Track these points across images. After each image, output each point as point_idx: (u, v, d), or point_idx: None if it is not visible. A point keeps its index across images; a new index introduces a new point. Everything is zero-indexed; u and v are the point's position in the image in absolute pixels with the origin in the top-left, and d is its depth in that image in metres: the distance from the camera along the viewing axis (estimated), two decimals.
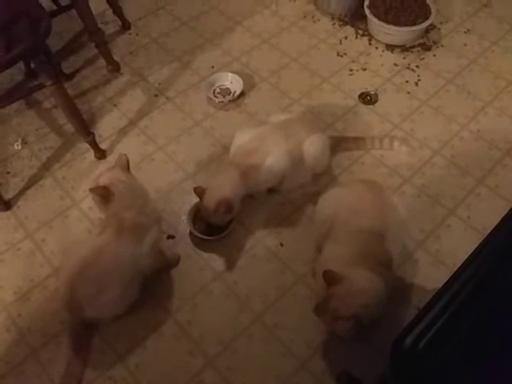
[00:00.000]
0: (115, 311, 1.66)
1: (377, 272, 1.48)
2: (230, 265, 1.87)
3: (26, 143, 2.29)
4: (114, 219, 1.61)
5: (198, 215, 1.95)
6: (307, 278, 1.81)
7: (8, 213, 2.05)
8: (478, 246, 1.25)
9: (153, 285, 1.79)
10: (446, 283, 1.18)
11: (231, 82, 2.46)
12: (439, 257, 1.85)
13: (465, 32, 2.70)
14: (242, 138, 1.96)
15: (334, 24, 2.78)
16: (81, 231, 1.97)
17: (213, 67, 2.57)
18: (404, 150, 2.14)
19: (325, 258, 1.60)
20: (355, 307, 1.42)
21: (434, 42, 2.65)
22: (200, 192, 1.84)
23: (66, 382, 1.60)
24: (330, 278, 1.44)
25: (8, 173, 2.18)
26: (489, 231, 1.29)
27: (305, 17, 2.82)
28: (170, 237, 1.94)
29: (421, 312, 1.15)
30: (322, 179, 2.08)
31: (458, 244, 1.85)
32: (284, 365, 1.64)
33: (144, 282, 1.72)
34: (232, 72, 2.47)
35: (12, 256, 1.93)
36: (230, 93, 2.43)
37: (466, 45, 2.63)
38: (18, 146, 2.27)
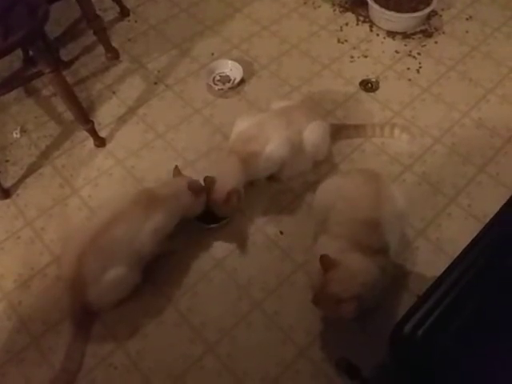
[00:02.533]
0: (117, 294, 1.67)
1: (371, 257, 1.50)
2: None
3: (25, 131, 2.28)
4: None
5: None
6: (307, 266, 1.80)
7: (7, 201, 2.05)
8: (479, 234, 1.25)
9: (154, 272, 1.80)
10: (445, 270, 1.18)
11: (231, 69, 2.44)
12: (439, 245, 1.84)
13: (467, 19, 2.68)
14: (242, 125, 1.94)
15: (334, 10, 2.76)
16: (80, 219, 1.97)
17: (212, 54, 2.55)
18: (404, 138, 2.13)
19: (320, 246, 1.61)
20: (355, 287, 1.43)
21: (436, 29, 2.63)
22: (210, 182, 1.81)
23: (65, 368, 1.60)
24: (327, 263, 1.46)
25: (7, 161, 2.17)
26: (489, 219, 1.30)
27: (305, 3, 2.80)
28: None
29: (420, 299, 1.15)
30: (322, 167, 2.08)
31: (459, 232, 1.84)
32: (284, 352, 1.64)
33: (145, 269, 1.73)
34: (232, 59, 2.46)
35: (12, 244, 1.92)
36: (230, 80, 2.42)
37: (467, 32, 2.61)
38: (16, 134, 2.26)
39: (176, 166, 1.87)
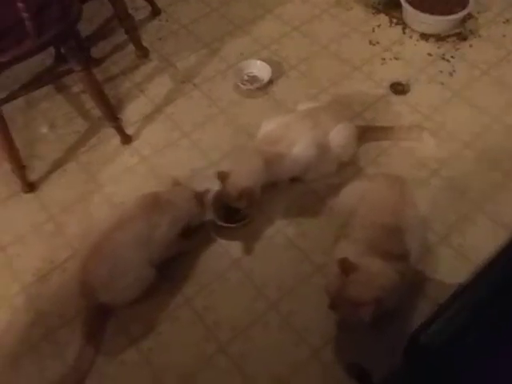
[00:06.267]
0: (129, 295, 1.66)
1: (390, 262, 1.47)
2: (249, 252, 1.87)
3: (53, 127, 2.31)
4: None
5: (219, 202, 1.93)
6: (326, 268, 1.77)
7: (32, 195, 2.08)
8: (506, 243, 1.19)
9: (171, 270, 1.80)
10: (468, 281, 1.13)
11: (259, 69, 2.43)
12: (462, 251, 1.79)
13: (504, 22, 2.60)
14: (269, 126, 1.94)
15: (367, 12, 2.72)
16: (103, 215, 1.97)
17: (242, 54, 2.55)
18: (432, 142, 2.08)
19: (340, 249, 1.58)
20: (374, 290, 1.41)
21: (471, 32, 2.56)
22: (223, 177, 1.82)
23: (76, 367, 1.61)
24: (346, 266, 1.43)
25: (34, 156, 2.21)
26: None
27: (337, 4, 2.77)
28: None
29: (439, 308, 1.10)
30: (347, 170, 2.04)
31: (483, 240, 1.78)
32: (297, 353, 1.62)
33: (161, 268, 1.73)
34: (261, 59, 2.45)
35: (34, 237, 1.95)
36: (258, 80, 2.41)
37: (504, 36, 2.53)
38: (45, 129, 2.30)
39: (175, 179, 1.89)
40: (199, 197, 1.83)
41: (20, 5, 1.59)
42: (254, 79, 2.42)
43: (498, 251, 1.17)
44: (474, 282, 1.12)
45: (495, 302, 1.07)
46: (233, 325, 1.69)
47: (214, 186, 1.91)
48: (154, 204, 1.71)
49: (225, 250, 1.87)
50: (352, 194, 1.76)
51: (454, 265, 1.75)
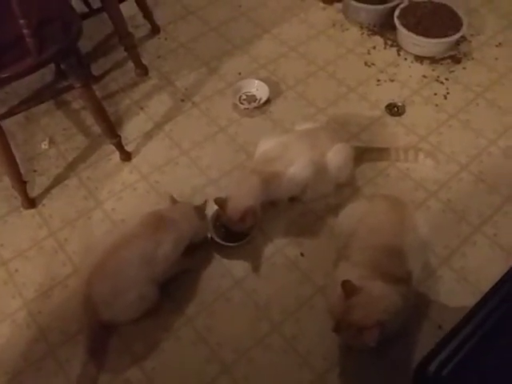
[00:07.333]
0: (132, 314, 1.66)
1: (392, 285, 1.48)
2: (254, 269, 1.88)
3: (53, 143, 2.31)
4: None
5: (219, 221, 1.94)
6: (326, 290, 1.78)
7: (33, 210, 2.08)
8: (509, 270, 1.20)
9: (173, 289, 1.80)
10: (473, 307, 1.13)
11: (257, 88, 2.46)
12: (463, 274, 1.81)
13: (496, 45, 2.66)
14: (266, 145, 1.95)
15: (362, 34, 2.76)
16: (102, 232, 1.98)
17: (240, 73, 2.57)
18: (429, 163, 2.12)
19: (341, 272, 1.59)
20: (378, 313, 1.41)
21: (465, 55, 2.61)
22: (221, 203, 1.82)
23: (80, 383, 1.60)
24: (350, 289, 1.43)
25: (35, 171, 2.21)
26: None
27: (334, 25, 2.81)
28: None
29: (446, 337, 1.10)
30: (345, 190, 2.06)
31: (484, 262, 1.81)
32: (300, 377, 1.62)
33: (164, 287, 1.73)
34: (259, 79, 2.47)
35: (35, 253, 1.95)
36: (256, 100, 2.43)
37: (497, 58, 2.58)
38: (45, 145, 2.30)
39: (172, 196, 1.87)
40: (199, 210, 1.85)
41: (21, 21, 1.59)
42: (251, 98, 2.44)
43: (503, 276, 1.18)
44: (480, 309, 1.12)
45: (503, 329, 1.07)
46: (235, 346, 1.69)
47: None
48: (158, 223, 1.71)
49: (226, 270, 1.87)
50: (351, 215, 1.76)
51: (456, 287, 1.77)
